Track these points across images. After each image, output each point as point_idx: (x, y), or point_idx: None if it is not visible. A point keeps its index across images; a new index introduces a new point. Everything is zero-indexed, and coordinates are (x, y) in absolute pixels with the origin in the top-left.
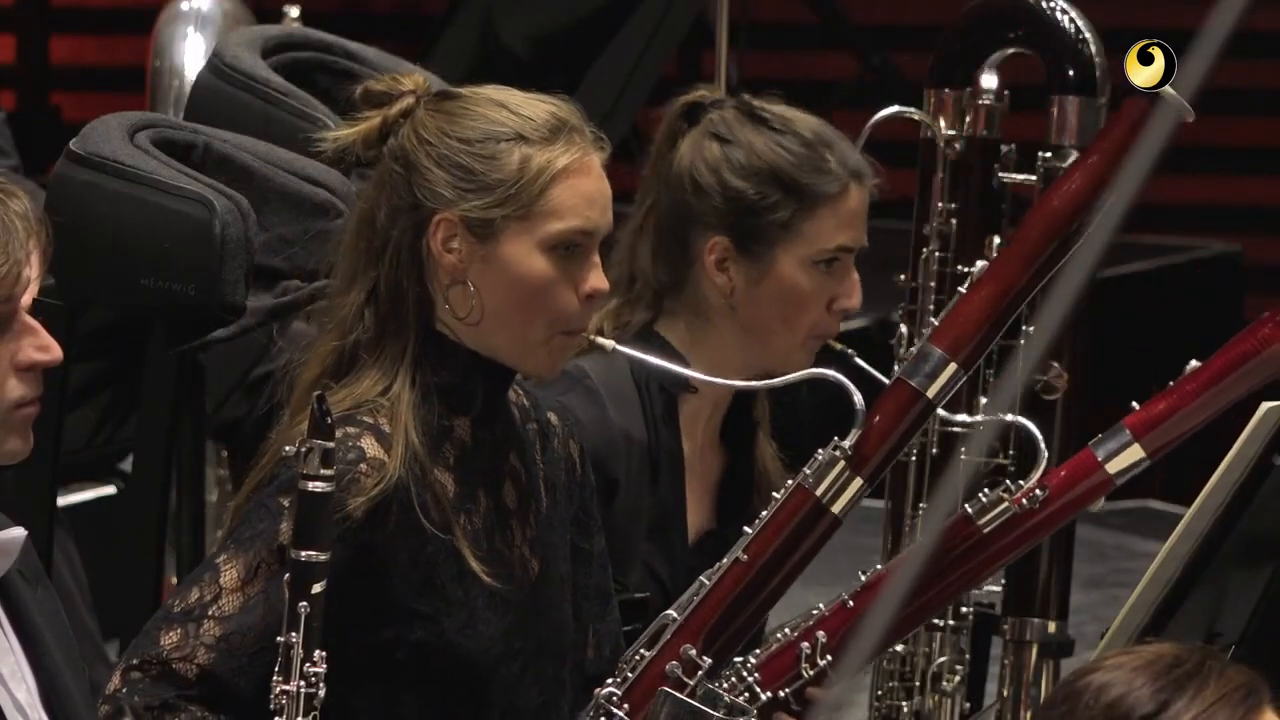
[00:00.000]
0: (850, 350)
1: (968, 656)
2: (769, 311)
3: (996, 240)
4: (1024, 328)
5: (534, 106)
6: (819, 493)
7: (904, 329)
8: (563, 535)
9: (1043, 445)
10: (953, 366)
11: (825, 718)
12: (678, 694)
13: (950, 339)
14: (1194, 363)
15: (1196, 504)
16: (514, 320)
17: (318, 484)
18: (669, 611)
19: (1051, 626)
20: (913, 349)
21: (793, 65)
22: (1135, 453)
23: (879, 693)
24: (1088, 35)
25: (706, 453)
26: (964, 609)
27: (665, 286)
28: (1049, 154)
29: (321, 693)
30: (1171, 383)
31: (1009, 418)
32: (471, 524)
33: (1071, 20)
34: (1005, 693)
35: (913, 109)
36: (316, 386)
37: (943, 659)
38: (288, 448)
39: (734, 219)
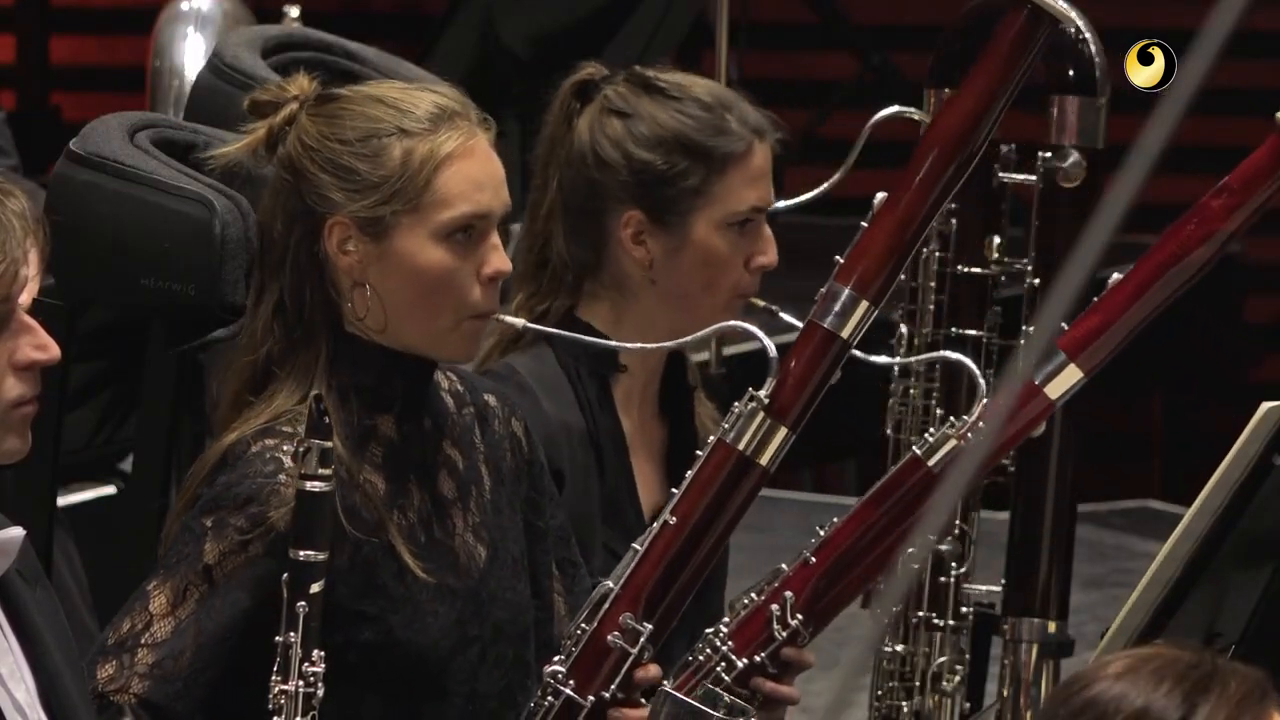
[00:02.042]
0: (774, 306)
1: (968, 656)
2: (690, 279)
3: (996, 240)
4: (1024, 328)
5: (413, 97)
6: (742, 446)
7: (904, 329)
8: (512, 516)
9: (980, 378)
10: (864, 304)
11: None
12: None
13: (857, 275)
14: (1116, 275)
15: (1196, 504)
16: (419, 313)
17: (315, 484)
18: (606, 582)
19: (1051, 626)
20: (821, 290)
21: (793, 65)
22: (1073, 373)
23: (879, 693)
24: (1088, 35)
25: (648, 427)
26: (964, 609)
27: (583, 267)
28: (1049, 154)
29: (320, 692)
30: (1097, 298)
31: (940, 354)
32: (406, 520)
33: (1071, 20)
34: (1005, 693)
35: (913, 109)
36: (237, 403)
37: (943, 659)
38: (269, 452)
39: (645, 191)
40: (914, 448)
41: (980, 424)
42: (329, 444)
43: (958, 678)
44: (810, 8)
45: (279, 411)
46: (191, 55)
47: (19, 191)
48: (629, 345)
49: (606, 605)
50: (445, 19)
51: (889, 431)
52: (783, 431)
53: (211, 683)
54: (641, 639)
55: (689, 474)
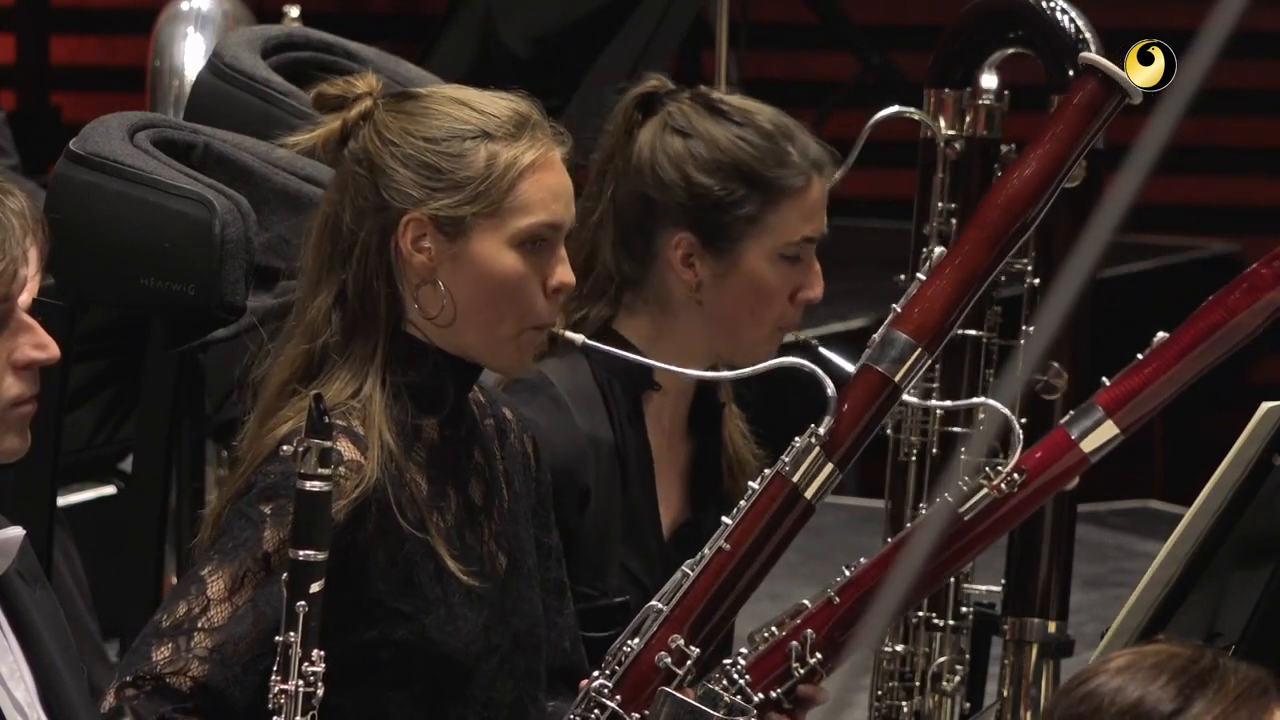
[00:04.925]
0: (814, 340)
1: (968, 656)
2: (736, 305)
3: None
4: (1024, 328)
5: (495, 103)
6: (796, 479)
7: None
8: (526, 528)
9: (1016, 427)
10: (919, 351)
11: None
12: (678, 694)
13: (915, 324)
14: (1161, 334)
15: (1196, 504)
16: (485, 317)
17: (315, 483)
18: (654, 603)
19: (1051, 626)
20: (875, 337)
21: (793, 65)
22: (1109, 429)
23: (879, 693)
24: (1088, 35)
25: (674, 445)
26: (964, 609)
27: (627, 280)
28: None
29: (320, 692)
30: (1140, 355)
31: (977, 400)
32: (445, 522)
33: (1071, 20)
34: (1005, 693)
35: (913, 109)
36: (285, 391)
37: (943, 659)
38: (285, 448)
39: (699, 215)
40: (945, 494)
41: (1015, 474)
42: (329, 444)
43: (958, 678)
44: (810, 8)
45: (332, 403)
46: (191, 55)
47: (18, 190)
48: (692, 371)
49: (656, 626)
50: (445, 19)
51: (889, 431)
52: (830, 468)
53: (268, 670)
54: (689, 662)
55: (743, 502)
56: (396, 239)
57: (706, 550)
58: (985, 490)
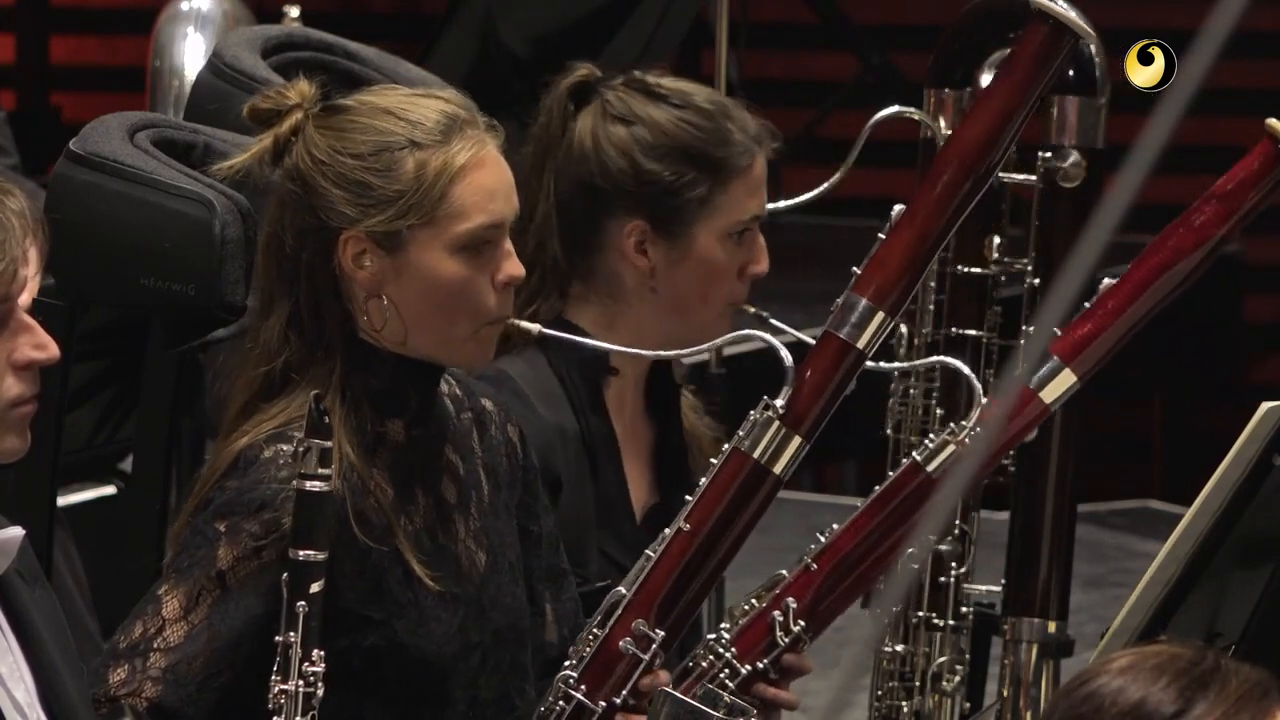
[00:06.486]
0: (765, 313)
1: (968, 656)
2: (689, 288)
3: (996, 240)
4: (1024, 328)
5: (422, 107)
6: (757, 454)
7: (904, 329)
8: (509, 521)
9: (976, 383)
10: (880, 314)
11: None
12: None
13: (874, 287)
14: (1108, 280)
15: (1196, 504)
16: (436, 323)
17: (315, 484)
18: (618, 588)
19: (1051, 626)
20: (838, 301)
21: (793, 65)
22: (1067, 378)
23: (879, 693)
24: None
25: (636, 428)
26: (964, 609)
27: (576, 271)
28: (1049, 154)
29: (320, 692)
30: (1088, 303)
31: (938, 359)
32: (413, 525)
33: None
34: (1005, 693)
35: (913, 109)
36: (246, 410)
37: (943, 659)
38: (282, 447)
39: (650, 201)
40: (913, 454)
41: (978, 429)
42: (329, 444)
43: (958, 678)
44: (810, 8)
45: (293, 417)
46: (191, 55)
47: (18, 190)
48: (649, 352)
49: (619, 611)
50: (445, 19)
51: (889, 431)
52: (797, 441)
53: (224, 687)
54: (653, 646)
55: (702, 481)
56: (338, 257)
57: (668, 531)
58: (951, 447)
